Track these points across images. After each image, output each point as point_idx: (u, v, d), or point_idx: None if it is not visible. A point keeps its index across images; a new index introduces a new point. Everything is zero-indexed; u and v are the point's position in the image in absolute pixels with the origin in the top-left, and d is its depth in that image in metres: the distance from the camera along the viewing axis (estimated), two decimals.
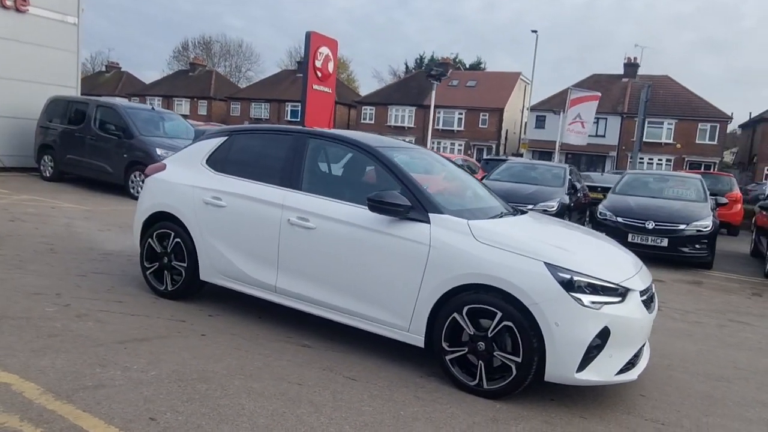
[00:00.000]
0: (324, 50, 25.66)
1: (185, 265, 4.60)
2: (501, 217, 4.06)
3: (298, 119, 57.54)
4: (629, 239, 8.55)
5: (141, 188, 10.72)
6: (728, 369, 4.43)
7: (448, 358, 3.52)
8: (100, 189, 11.41)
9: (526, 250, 3.40)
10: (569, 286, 3.24)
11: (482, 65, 64.45)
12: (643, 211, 8.92)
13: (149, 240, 4.79)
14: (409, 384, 3.53)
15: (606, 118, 40.85)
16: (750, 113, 39.53)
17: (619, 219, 8.91)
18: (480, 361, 3.42)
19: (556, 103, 43.24)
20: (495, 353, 3.37)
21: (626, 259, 3.87)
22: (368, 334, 3.90)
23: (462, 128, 46.64)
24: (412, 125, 48.28)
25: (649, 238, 8.63)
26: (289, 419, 2.93)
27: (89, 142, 11.58)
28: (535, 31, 37.41)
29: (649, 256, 7.56)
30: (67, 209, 8.89)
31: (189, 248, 4.56)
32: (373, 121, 49.82)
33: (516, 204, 5.14)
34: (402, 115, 48.68)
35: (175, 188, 4.66)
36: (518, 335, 3.29)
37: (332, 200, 3.99)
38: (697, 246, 8.52)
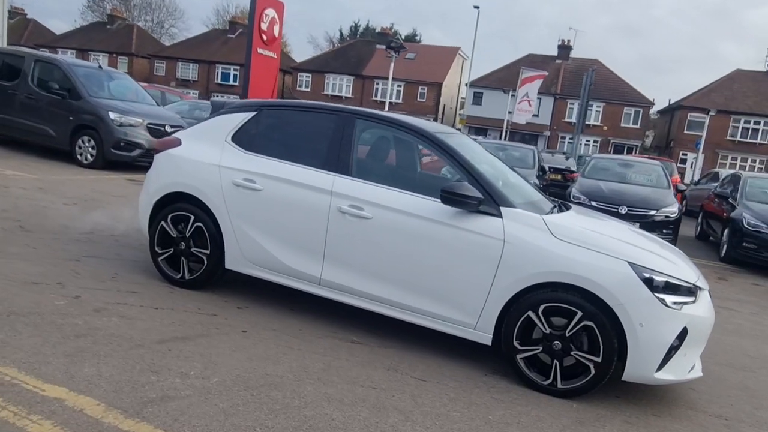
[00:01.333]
0: (270, 12, 24.49)
1: (208, 252, 4.19)
2: (561, 210, 3.96)
3: (230, 82, 54.67)
4: None
5: (91, 156, 9.99)
6: (743, 358, 4.65)
7: (519, 357, 3.43)
8: (41, 154, 10.31)
9: (608, 248, 3.33)
10: (653, 286, 3.21)
11: (417, 38, 64.22)
12: (615, 196, 9.22)
13: (162, 223, 4.31)
14: (479, 384, 3.41)
15: (540, 98, 41.94)
16: (669, 100, 42.15)
17: (593, 203, 9.16)
18: (555, 361, 3.34)
19: (493, 80, 44.08)
20: (572, 353, 3.31)
21: (681, 257, 3.91)
22: (415, 328, 3.73)
23: (400, 101, 46.48)
24: (350, 95, 47.54)
25: None
26: (385, 430, 2.73)
27: (25, 101, 10.36)
28: (477, 7, 37.58)
29: None
30: (14, 178, 7.94)
31: (213, 234, 4.15)
32: (309, 89, 48.56)
33: None
34: (340, 84, 47.78)
35: (197, 167, 4.20)
36: (599, 335, 3.24)
37: (389, 188, 3.73)
38: (664, 231, 8.93)
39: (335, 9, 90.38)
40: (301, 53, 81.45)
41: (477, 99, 43.90)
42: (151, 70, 52.52)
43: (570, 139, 39.91)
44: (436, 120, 45.81)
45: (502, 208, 3.49)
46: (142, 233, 4.58)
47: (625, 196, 9.21)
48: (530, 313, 3.37)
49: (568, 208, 4.19)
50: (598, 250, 3.31)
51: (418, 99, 46.10)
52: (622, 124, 40.49)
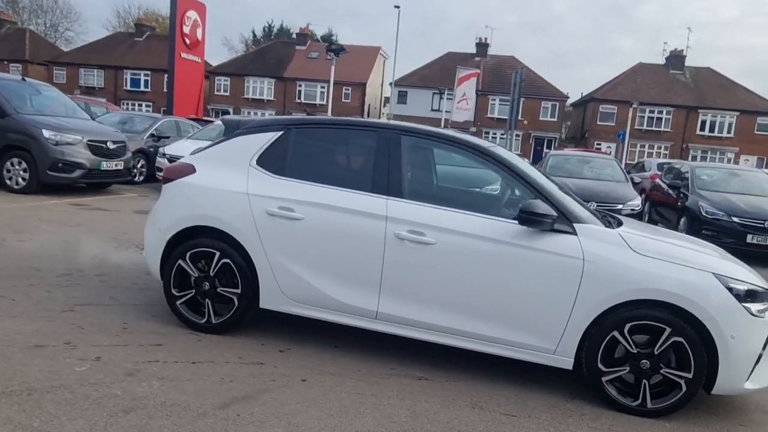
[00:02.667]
0: (192, 14, 23.42)
1: (238, 291, 3.73)
2: (618, 224, 3.83)
3: (141, 89, 51.97)
4: None
5: (23, 179, 8.90)
6: None
7: (604, 379, 3.28)
8: None
9: (691, 261, 3.25)
10: (739, 296, 3.17)
11: (334, 37, 63.77)
12: (585, 192, 9.41)
13: (180, 262, 3.79)
14: (566, 412, 3.23)
15: (455, 96, 43.03)
16: (581, 93, 44.53)
17: None
18: (644, 380, 3.23)
19: (417, 79, 44.59)
20: (662, 370, 3.20)
21: (736, 259, 3.90)
22: (472, 356, 3.52)
23: (325, 102, 45.87)
24: (272, 98, 46.43)
25: None
26: None
27: None
28: (397, 7, 37.86)
29: None
30: None
31: (244, 271, 3.69)
32: (228, 93, 46.94)
33: None
34: (260, 87, 46.49)
35: (221, 196, 3.73)
36: (689, 350, 3.15)
37: (451, 210, 3.46)
38: None
39: (242, 8, 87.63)
40: (215, 56, 78.43)
41: (402, 98, 44.21)
42: (50, 77, 48.46)
43: (494, 134, 41.17)
44: None
45: (575, 225, 3.33)
46: (152, 275, 4.02)
47: (593, 192, 9.44)
48: (615, 333, 3.23)
49: (619, 220, 4.03)
50: (681, 263, 3.23)
51: (343, 100, 45.74)
52: (541, 118, 42.25)
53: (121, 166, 9.97)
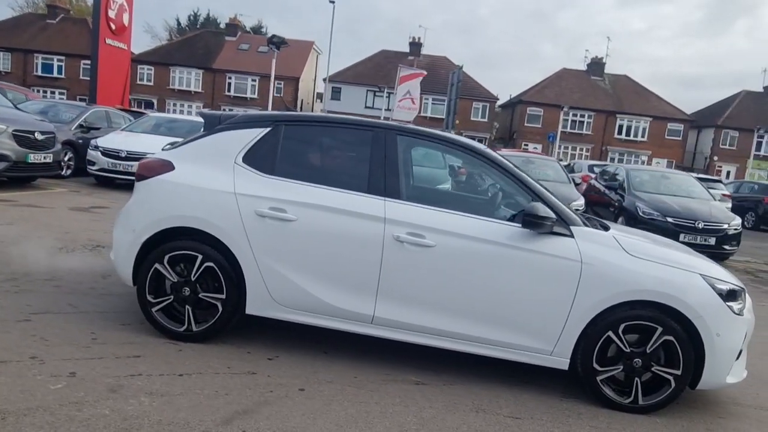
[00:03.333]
0: None
1: (223, 297, 3.50)
2: (605, 227, 3.90)
3: (54, 74, 48.88)
4: None
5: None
6: None
7: (599, 378, 3.36)
8: None
9: (680, 262, 3.39)
10: (722, 295, 3.33)
11: (263, 29, 62.32)
12: None
13: (157, 266, 3.52)
14: (565, 412, 3.27)
15: (396, 94, 43.24)
16: (510, 95, 46.02)
17: None
18: (636, 378, 3.33)
19: (350, 76, 44.38)
20: (653, 368, 3.32)
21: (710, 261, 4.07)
22: (461, 358, 3.53)
23: (256, 96, 44.75)
24: (200, 90, 44.68)
25: None
26: None
27: None
28: (332, 2, 37.46)
29: None
30: None
31: (229, 275, 3.48)
32: (152, 83, 44.70)
33: None
34: (187, 78, 44.59)
35: (205, 195, 3.48)
36: (678, 348, 3.28)
37: (450, 212, 3.42)
38: None
39: None
40: (136, 43, 74.43)
41: (336, 94, 43.85)
42: None
43: None
44: None
45: (572, 228, 3.38)
46: (122, 280, 3.70)
47: None
48: (610, 333, 3.31)
49: (605, 224, 4.09)
50: (672, 264, 3.35)
51: (275, 94, 44.74)
52: (472, 118, 43.26)
53: (50, 159, 9.21)
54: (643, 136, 41.89)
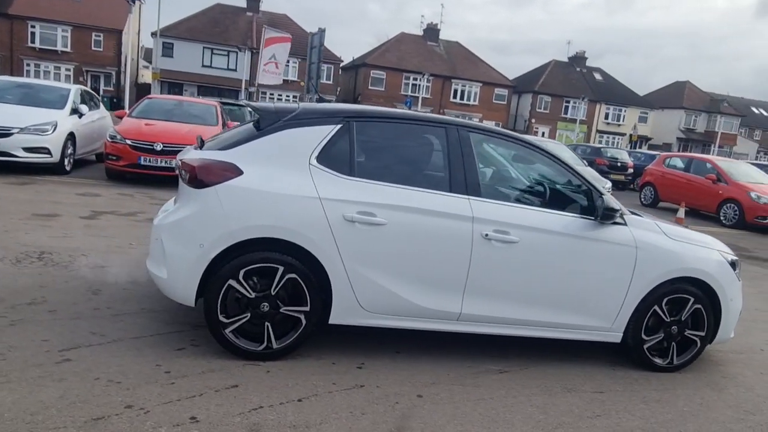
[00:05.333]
0: None
1: (307, 309, 3.27)
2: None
3: None
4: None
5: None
6: None
7: (646, 347, 3.85)
8: None
9: (704, 242, 3.97)
10: (732, 266, 4.00)
11: None
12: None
13: (231, 283, 3.15)
14: (628, 379, 3.70)
15: (236, 52, 41.03)
16: (353, 57, 46.33)
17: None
18: (672, 343, 3.88)
19: (184, 30, 40.89)
20: (687, 333, 3.89)
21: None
22: (529, 342, 3.80)
23: (69, 49, 39.01)
24: None
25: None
26: None
27: None
28: None
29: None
30: None
31: (314, 285, 3.25)
32: None
33: None
34: None
35: (287, 202, 3.16)
36: (704, 314, 3.89)
37: (529, 208, 3.58)
38: None
39: None
40: None
41: (167, 51, 40.03)
42: None
43: (272, 95, 40.45)
44: (119, 73, 40.09)
45: (625, 217, 3.76)
46: (177, 300, 3.24)
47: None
48: (656, 307, 3.80)
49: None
50: (700, 244, 3.93)
51: (93, 48, 39.52)
52: (324, 80, 42.80)
53: None
54: (474, 100, 45.42)
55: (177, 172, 3.82)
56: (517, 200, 3.66)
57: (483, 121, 45.34)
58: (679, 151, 45.99)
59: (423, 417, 2.89)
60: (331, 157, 3.32)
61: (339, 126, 3.38)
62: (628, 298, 3.72)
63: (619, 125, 48.96)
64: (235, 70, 41.40)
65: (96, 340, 3.28)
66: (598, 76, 51.14)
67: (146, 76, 45.16)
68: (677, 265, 3.77)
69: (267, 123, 3.36)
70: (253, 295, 3.20)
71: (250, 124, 3.59)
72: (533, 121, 46.82)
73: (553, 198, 3.79)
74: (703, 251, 3.90)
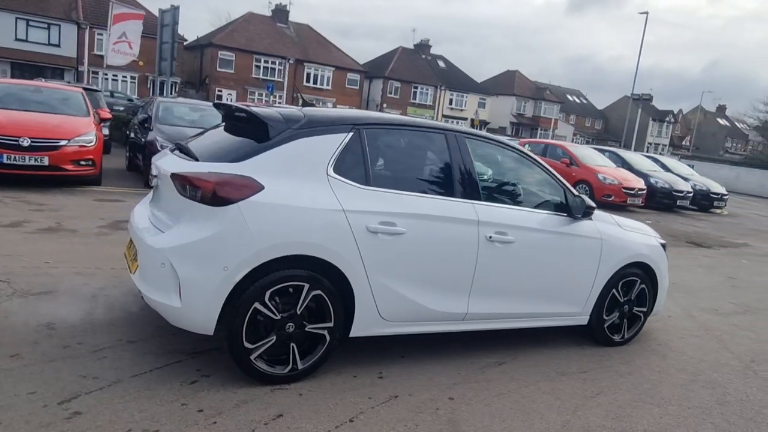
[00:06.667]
0: None
1: (331, 324, 3.17)
2: None
3: None
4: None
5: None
6: None
7: (606, 325, 4.34)
8: None
9: (644, 230, 4.58)
10: (663, 248, 4.65)
11: None
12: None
13: (257, 306, 2.93)
14: (598, 357, 4.15)
15: (59, 25, 36.29)
16: (197, 36, 43.45)
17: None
18: (624, 320, 4.43)
19: None
20: (635, 310, 4.46)
21: None
22: (507, 333, 4.08)
23: None
24: None
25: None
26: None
27: None
28: None
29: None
30: None
31: (337, 300, 3.16)
32: None
33: None
34: None
35: (312, 216, 3.00)
36: (647, 292, 4.50)
37: (519, 209, 3.82)
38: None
39: None
40: None
41: None
42: None
43: (106, 74, 36.60)
44: None
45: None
46: (194, 329, 2.93)
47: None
48: (614, 291, 4.30)
49: None
50: (642, 232, 4.52)
51: None
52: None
53: None
54: (328, 85, 45.45)
55: (154, 181, 3.45)
56: (509, 202, 3.88)
57: (336, 105, 45.61)
58: (511, 134, 50.83)
59: (467, 420, 2.99)
60: (346, 167, 3.22)
61: (351, 134, 3.28)
62: (596, 284, 4.16)
63: (461, 110, 52.53)
64: (59, 45, 36.65)
65: (93, 385, 2.84)
66: (441, 64, 54.20)
67: None
68: (630, 251, 4.30)
69: (276, 132, 3.14)
70: (279, 316, 3.01)
71: (240, 131, 3.33)
72: (385, 106, 48.24)
73: (537, 198, 4.06)
74: (645, 238, 4.49)
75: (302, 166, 3.11)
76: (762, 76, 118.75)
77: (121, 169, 11.22)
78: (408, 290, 3.37)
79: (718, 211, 17.14)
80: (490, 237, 3.58)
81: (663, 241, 4.74)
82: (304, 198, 3.03)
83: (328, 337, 3.18)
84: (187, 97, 35.38)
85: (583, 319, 4.24)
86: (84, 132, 8.52)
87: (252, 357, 2.99)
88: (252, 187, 2.92)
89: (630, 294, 4.41)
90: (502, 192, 3.99)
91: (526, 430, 2.97)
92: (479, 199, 3.63)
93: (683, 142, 69.48)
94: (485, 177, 4.00)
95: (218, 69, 41.47)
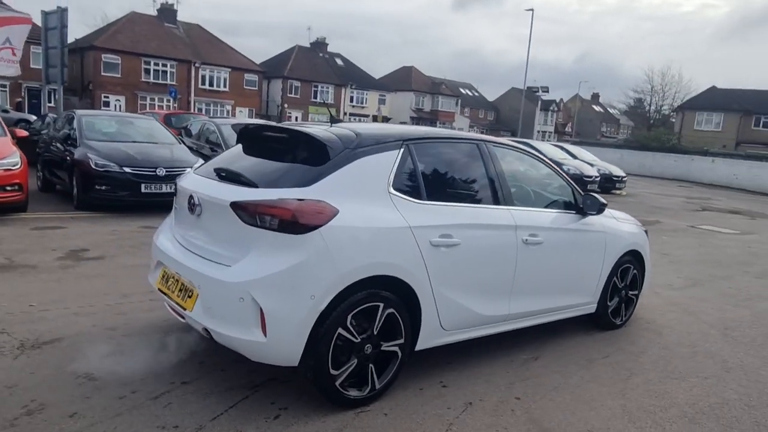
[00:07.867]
0: None
1: (402, 341, 3.18)
2: None
3: None
4: None
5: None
6: None
7: (609, 311, 4.70)
8: None
9: (632, 220, 4.98)
10: (646, 234, 5.11)
11: None
12: (149, 158, 8.61)
13: (340, 331, 2.88)
14: (610, 340, 4.49)
15: None
16: (75, 38, 39.90)
17: None
18: (622, 303, 4.83)
19: None
20: (629, 293, 4.87)
21: None
22: (526, 330, 4.23)
23: None
24: None
25: None
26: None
27: None
28: None
29: None
30: None
31: (406, 316, 3.18)
32: None
33: None
34: None
35: (385, 236, 3.00)
36: (638, 277, 4.93)
37: (546, 210, 4.09)
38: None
39: None
40: None
41: None
42: None
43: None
44: None
45: None
46: (278, 362, 2.82)
47: (160, 157, 8.65)
48: (615, 278, 4.67)
49: None
50: (631, 222, 4.93)
51: None
52: (33, 65, 36.04)
53: None
54: (225, 87, 43.85)
55: (180, 204, 3.25)
56: (534, 204, 4.08)
57: (236, 108, 44.16)
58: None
59: (546, 417, 3.15)
60: (403, 183, 3.24)
61: (402, 150, 3.30)
62: (602, 274, 4.50)
63: (363, 107, 52.96)
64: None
65: (155, 421, 2.65)
66: (339, 61, 54.24)
67: None
68: (627, 241, 4.69)
69: (335, 153, 3.08)
70: (359, 339, 2.98)
71: (284, 153, 3.23)
72: (286, 106, 47.48)
73: (554, 199, 4.30)
74: (634, 227, 4.91)
75: (366, 186, 3.09)
76: (625, 64, 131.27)
77: (33, 190, 10.08)
78: (463, 298, 3.46)
79: (619, 192, 18.81)
80: (526, 240, 3.76)
81: (645, 228, 5.21)
82: (375, 218, 3.02)
83: (399, 354, 3.19)
84: (70, 106, 32.68)
85: (593, 308, 4.57)
86: (6, 154, 7.68)
87: (337, 383, 2.94)
88: (329, 212, 2.86)
89: (626, 279, 4.80)
90: (527, 195, 4.18)
91: (597, 418, 3.18)
92: (513, 205, 3.80)
93: (566, 129, 75.08)
94: (522, 183, 4.19)
95: (102, 73, 38.56)
